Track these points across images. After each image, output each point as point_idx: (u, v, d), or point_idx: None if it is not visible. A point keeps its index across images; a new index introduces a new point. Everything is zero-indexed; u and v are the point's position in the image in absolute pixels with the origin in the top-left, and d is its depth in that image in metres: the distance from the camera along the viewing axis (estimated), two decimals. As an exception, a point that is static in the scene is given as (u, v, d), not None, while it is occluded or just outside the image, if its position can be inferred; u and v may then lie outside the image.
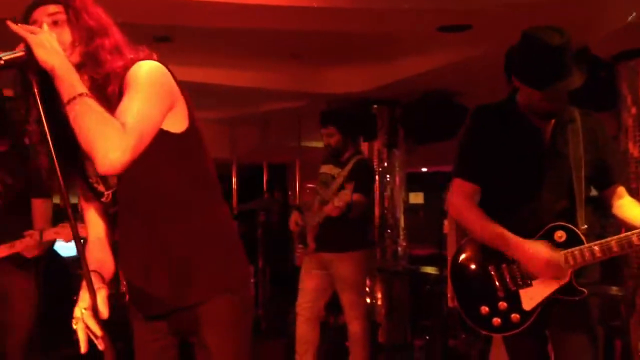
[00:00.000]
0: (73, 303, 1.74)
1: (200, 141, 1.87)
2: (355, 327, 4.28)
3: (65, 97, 1.57)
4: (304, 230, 4.33)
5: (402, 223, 6.47)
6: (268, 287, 7.00)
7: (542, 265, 2.24)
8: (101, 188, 1.84)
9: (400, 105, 6.10)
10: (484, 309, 2.39)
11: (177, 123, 1.77)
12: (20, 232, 3.15)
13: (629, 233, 2.18)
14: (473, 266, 2.43)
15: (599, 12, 3.52)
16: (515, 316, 2.33)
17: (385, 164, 6.39)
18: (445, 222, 4.91)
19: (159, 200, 1.79)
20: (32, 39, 1.56)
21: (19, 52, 1.57)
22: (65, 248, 4.95)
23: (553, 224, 2.29)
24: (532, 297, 2.30)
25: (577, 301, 2.27)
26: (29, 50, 1.56)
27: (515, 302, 2.33)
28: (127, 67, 1.72)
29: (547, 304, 2.29)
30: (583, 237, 2.25)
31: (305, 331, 4.29)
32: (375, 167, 6.41)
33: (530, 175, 2.33)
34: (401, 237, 6.48)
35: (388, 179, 6.44)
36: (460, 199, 2.42)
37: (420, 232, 7.73)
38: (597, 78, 3.81)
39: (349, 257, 4.23)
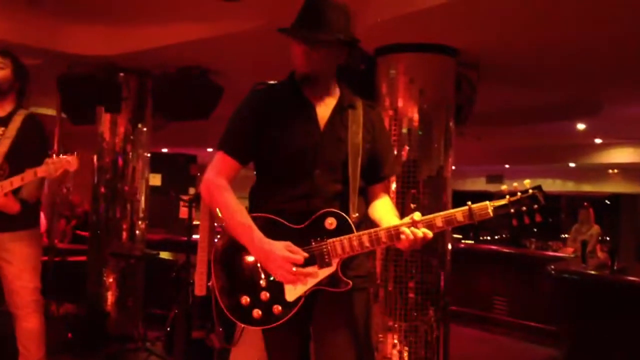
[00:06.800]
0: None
1: None
2: (34, 321, 3.51)
3: None
4: None
5: (142, 205, 6.04)
6: None
7: (275, 266, 2.09)
8: None
9: (152, 77, 5.64)
10: (245, 299, 2.17)
11: None
12: None
13: (398, 223, 2.11)
14: (237, 251, 2.20)
15: (363, 5, 3.54)
16: (277, 308, 2.15)
17: (130, 141, 5.91)
18: (183, 207, 4.69)
19: None
20: None
21: None
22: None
23: (325, 210, 2.15)
24: (295, 287, 2.14)
25: (343, 294, 2.15)
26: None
27: (278, 292, 2.15)
28: None
29: (310, 295, 2.15)
30: (353, 226, 2.14)
31: None
32: (116, 144, 5.88)
33: (305, 155, 2.19)
34: (141, 220, 6.04)
35: (131, 157, 5.96)
36: (215, 174, 2.20)
37: (155, 216, 7.36)
38: (358, 70, 3.86)
39: (28, 235, 3.51)
